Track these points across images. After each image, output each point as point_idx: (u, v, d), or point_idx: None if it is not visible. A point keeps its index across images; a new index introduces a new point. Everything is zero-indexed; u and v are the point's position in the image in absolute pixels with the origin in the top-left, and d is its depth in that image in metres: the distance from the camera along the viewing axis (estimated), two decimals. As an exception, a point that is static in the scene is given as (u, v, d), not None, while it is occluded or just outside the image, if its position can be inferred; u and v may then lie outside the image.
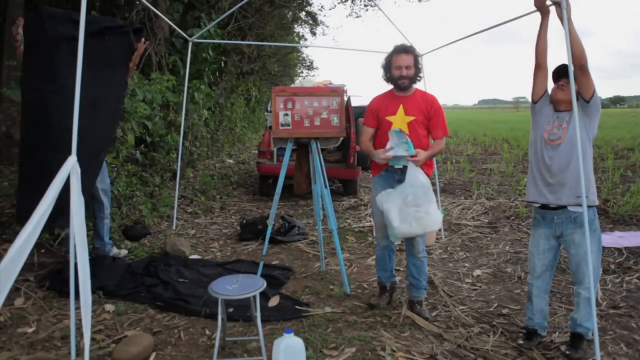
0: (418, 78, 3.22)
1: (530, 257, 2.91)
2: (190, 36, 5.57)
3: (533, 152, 2.82)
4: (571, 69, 2.48)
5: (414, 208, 2.97)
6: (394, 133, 3.03)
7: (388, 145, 3.05)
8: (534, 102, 2.83)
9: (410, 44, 3.24)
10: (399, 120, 3.14)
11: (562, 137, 2.67)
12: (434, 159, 5.27)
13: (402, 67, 3.11)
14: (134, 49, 3.45)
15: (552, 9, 2.59)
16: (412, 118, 3.12)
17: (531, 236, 2.93)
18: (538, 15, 2.69)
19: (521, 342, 2.88)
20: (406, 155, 3.00)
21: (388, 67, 3.18)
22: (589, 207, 2.54)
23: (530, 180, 2.84)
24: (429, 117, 3.13)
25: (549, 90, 2.79)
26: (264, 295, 3.38)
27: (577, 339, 2.76)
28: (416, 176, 2.99)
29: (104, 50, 3.18)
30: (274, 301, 3.41)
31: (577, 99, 2.59)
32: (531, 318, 2.90)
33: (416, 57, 3.17)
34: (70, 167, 1.98)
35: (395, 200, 3.03)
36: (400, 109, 3.14)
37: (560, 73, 2.70)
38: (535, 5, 2.67)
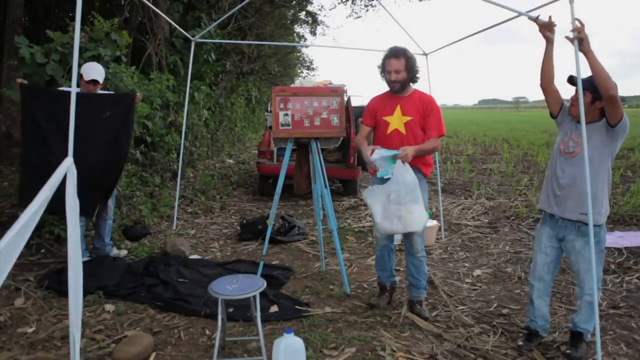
0: (416, 78, 3.22)
1: (533, 254, 2.92)
2: (191, 36, 5.56)
3: (550, 161, 2.82)
4: (580, 88, 2.46)
5: (395, 206, 2.97)
6: (386, 153, 3.04)
7: (376, 152, 3.06)
8: (553, 117, 2.81)
9: (402, 47, 3.20)
10: (396, 120, 3.14)
11: (577, 151, 2.62)
12: (435, 158, 5.28)
13: (391, 72, 3.12)
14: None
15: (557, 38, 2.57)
16: (408, 118, 3.12)
17: (536, 233, 2.93)
18: (538, 14, 2.68)
19: (521, 343, 2.88)
20: (390, 155, 3.00)
21: (382, 70, 3.21)
22: (595, 225, 2.55)
23: (543, 188, 2.85)
24: (425, 116, 3.14)
25: (566, 103, 2.76)
26: (265, 296, 3.38)
27: (576, 338, 2.76)
28: (403, 174, 2.96)
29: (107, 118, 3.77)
30: (273, 309, 3.39)
31: (600, 119, 2.58)
32: (533, 320, 2.90)
33: (408, 60, 3.14)
34: (67, 167, 1.97)
35: (379, 196, 3.05)
36: (398, 109, 3.15)
37: (573, 83, 2.61)
38: (541, 32, 2.62)
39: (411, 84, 3.23)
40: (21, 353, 2.66)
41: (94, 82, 3.80)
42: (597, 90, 2.52)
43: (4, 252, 1.38)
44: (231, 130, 13.39)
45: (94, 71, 3.82)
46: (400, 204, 2.96)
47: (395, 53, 3.13)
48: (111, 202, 4.18)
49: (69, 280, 1.98)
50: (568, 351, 2.76)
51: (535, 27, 2.68)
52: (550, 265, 2.84)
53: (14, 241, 1.44)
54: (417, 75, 3.20)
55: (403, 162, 2.97)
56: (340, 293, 3.67)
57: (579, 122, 2.64)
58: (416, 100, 3.18)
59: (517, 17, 3.26)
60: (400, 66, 3.10)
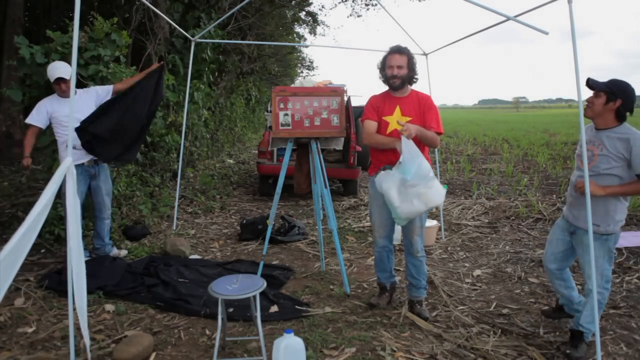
0: (414, 79, 3.22)
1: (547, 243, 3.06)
2: (191, 36, 5.56)
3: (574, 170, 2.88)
4: (579, 91, 2.50)
5: (412, 188, 2.90)
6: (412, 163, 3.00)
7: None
8: None
9: (405, 46, 3.22)
10: (396, 120, 3.14)
11: (592, 162, 2.63)
12: (435, 158, 5.27)
13: (393, 67, 3.12)
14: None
15: None
16: (408, 119, 3.12)
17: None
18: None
19: (545, 308, 3.29)
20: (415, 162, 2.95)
21: (383, 67, 3.21)
22: (608, 234, 2.67)
23: (567, 196, 2.94)
24: (423, 113, 3.15)
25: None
26: (265, 296, 3.39)
27: (577, 338, 2.77)
28: (415, 159, 2.88)
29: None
30: (273, 309, 3.38)
31: (615, 125, 2.59)
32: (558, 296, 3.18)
33: (410, 59, 3.16)
34: (66, 168, 1.98)
35: (393, 179, 2.96)
36: (397, 110, 3.15)
37: (590, 87, 2.63)
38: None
39: (409, 85, 3.23)
40: (21, 353, 2.67)
41: (62, 80, 3.72)
42: (612, 92, 2.54)
43: (9, 256, 1.38)
44: (231, 130, 13.39)
45: (57, 70, 3.72)
46: (417, 184, 2.90)
47: (399, 49, 3.17)
48: (109, 202, 4.19)
49: (73, 280, 1.98)
50: (568, 351, 2.76)
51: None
52: (557, 256, 2.93)
53: (19, 244, 1.44)
54: (416, 76, 3.22)
55: (407, 138, 2.90)
56: (340, 293, 3.67)
57: (596, 128, 2.68)
58: (414, 100, 3.19)
59: (515, 18, 3.27)
60: (403, 62, 3.12)
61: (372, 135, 3.20)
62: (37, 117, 3.80)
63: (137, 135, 4.25)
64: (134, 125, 4.14)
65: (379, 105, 3.23)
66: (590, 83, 2.61)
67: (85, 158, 3.91)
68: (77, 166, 3.83)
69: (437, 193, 2.92)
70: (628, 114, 2.60)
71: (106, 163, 4.16)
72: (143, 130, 4.35)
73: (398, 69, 3.12)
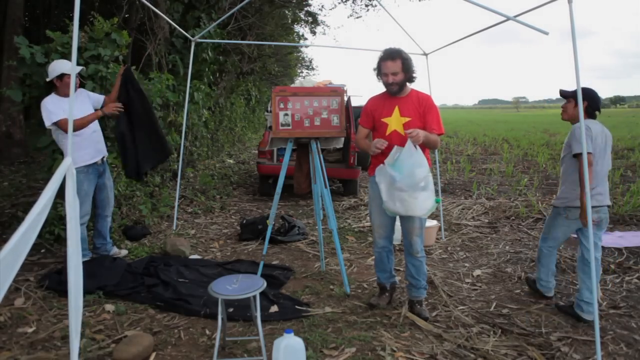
0: (413, 78, 3.18)
1: None
2: (191, 36, 5.56)
3: None
4: (580, 95, 2.74)
5: (398, 192, 2.94)
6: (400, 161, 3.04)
7: (393, 151, 3.03)
8: None
9: (397, 49, 3.14)
10: (395, 121, 3.12)
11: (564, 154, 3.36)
12: (435, 158, 5.27)
13: (388, 75, 3.09)
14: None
15: None
16: (407, 119, 3.10)
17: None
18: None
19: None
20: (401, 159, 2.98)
21: (378, 72, 3.18)
22: (561, 206, 3.34)
23: None
24: (423, 114, 3.13)
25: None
26: (265, 296, 3.39)
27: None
28: (412, 164, 2.90)
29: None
30: (273, 309, 3.38)
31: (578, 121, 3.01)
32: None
33: (404, 61, 3.09)
34: (66, 168, 1.97)
35: (385, 174, 3.02)
36: (396, 111, 3.13)
37: (562, 96, 3.33)
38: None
39: (408, 84, 3.21)
40: (21, 353, 2.67)
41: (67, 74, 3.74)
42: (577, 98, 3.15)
43: (9, 256, 1.37)
44: (231, 130, 13.39)
45: (68, 65, 3.74)
46: (403, 190, 2.92)
47: (391, 55, 3.08)
48: (112, 197, 4.21)
49: (69, 280, 1.98)
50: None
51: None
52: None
53: (19, 244, 1.44)
54: (414, 75, 3.17)
55: (413, 142, 2.92)
56: (340, 293, 3.67)
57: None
58: (414, 100, 3.15)
59: (515, 18, 3.27)
60: (396, 68, 3.06)
61: (359, 141, 3.34)
62: (57, 111, 3.70)
63: (157, 134, 4.47)
64: (152, 129, 4.41)
65: (375, 109, 3.22)
66: (562, 93, 3.30)
67: (97, 157, 3.93)
68: (88, 166, 3.84)
69: (420, 206, 2.95)
70: (597, 113, 3.24)
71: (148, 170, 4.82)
72: (156, 128, 4.53)
73: (393, 75, 3.07)
